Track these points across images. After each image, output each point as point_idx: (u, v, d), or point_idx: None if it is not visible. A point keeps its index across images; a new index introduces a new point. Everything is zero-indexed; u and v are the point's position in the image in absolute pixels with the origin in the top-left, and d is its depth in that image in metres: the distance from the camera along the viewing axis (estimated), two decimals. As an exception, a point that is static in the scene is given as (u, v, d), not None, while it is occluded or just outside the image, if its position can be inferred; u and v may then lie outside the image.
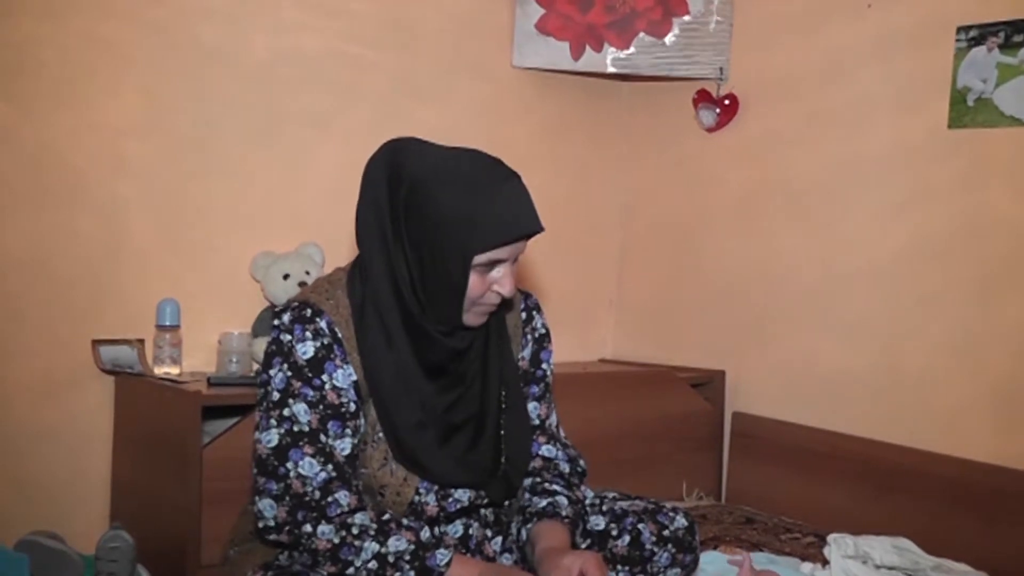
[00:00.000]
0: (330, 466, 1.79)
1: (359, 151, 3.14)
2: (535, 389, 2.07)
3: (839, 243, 3.10)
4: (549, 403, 2.10)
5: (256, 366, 2.85)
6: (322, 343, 1.83)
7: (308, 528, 1.76)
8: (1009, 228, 2.70)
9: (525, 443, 1.99)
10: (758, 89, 3.33)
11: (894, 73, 2.95)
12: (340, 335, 1.85)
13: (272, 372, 1.83)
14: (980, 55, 2.75)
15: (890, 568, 2.46)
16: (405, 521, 1.82)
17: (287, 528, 1.77)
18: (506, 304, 1.93)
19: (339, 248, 2.99)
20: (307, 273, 2.90)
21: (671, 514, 2.10)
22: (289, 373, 1.82)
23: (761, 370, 3.32)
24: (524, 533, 1.93)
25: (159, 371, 2.76)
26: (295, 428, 1.80)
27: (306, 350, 1.83)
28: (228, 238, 2.97)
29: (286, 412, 1.81)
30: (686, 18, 3.38)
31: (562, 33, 3.39)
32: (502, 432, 1.96)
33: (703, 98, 3.42)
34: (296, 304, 1.87)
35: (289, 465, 1.78)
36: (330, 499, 1.77)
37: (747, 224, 3.36)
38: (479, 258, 1.79)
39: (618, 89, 3.67)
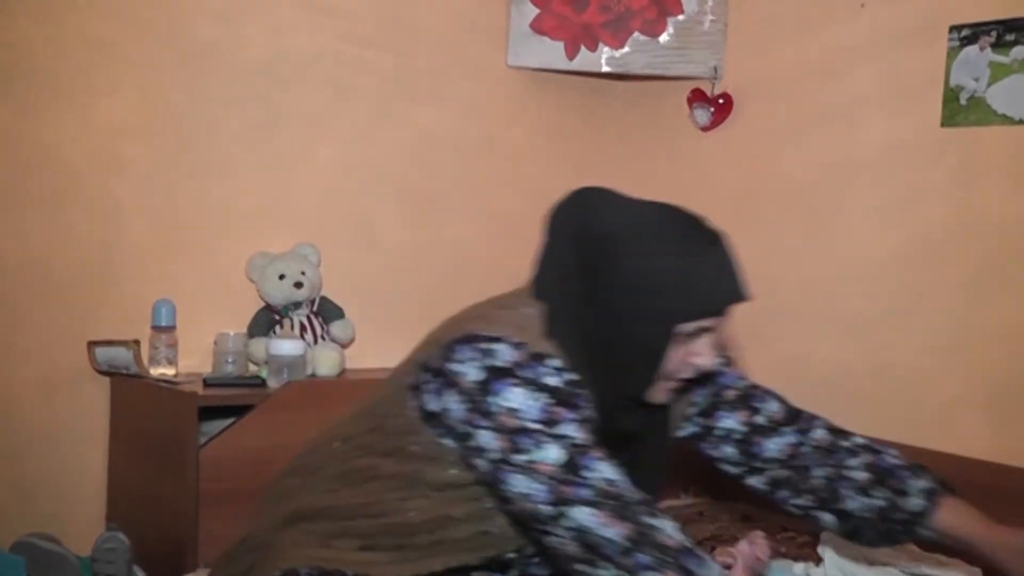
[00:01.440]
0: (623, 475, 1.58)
1: (355, 151, 3.18)
2: (733, 411, 1.97)
3: (834, 241, 3.11)
4: (750, 405, 1.99)
5: (252, 367, 2.86)
6: (566, 379, 1.62)
7: (648, 520, 1.53)
8: (1001, 225, 2.71)
9: None
10: (752, 88, 3.34)
11: (887, 72, 2.96)
12: (578, 381, 1.65)
13: (510, 395, 1.57)
14: (973, 54, 2.76)
15: (884, 565, 2.45)
16: None
17: (633, 544, 1.50)
18: (700, 381, 1.80)
19: (334, 248, 3.03)
20: (303, 273, 2.91)
21: None
22: (548, 397, 1.58)
23: (756, 367, 3.29)
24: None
25: (155, 372, 2.76)
26: (575, 443, 1.56)
27: (551, 380, 1.61)
28: (224, 238, 2.98)
29: (557, 434, 1.56)
30: (680, 17, 3.39)
31: (557, 33, 3.40)
32: None
33: (697, 97, 3.42)
34: (514, 345, 1.63)
35: (587, 473, 1.54)
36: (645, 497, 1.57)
37: (742, 222, 3.34)
38: (684, 327, 1.64)
39: (613, 88, 3.67)
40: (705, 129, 3.44)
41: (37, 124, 2.72)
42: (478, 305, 1.77)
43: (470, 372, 1.59)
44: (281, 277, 2.90)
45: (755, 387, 2.01)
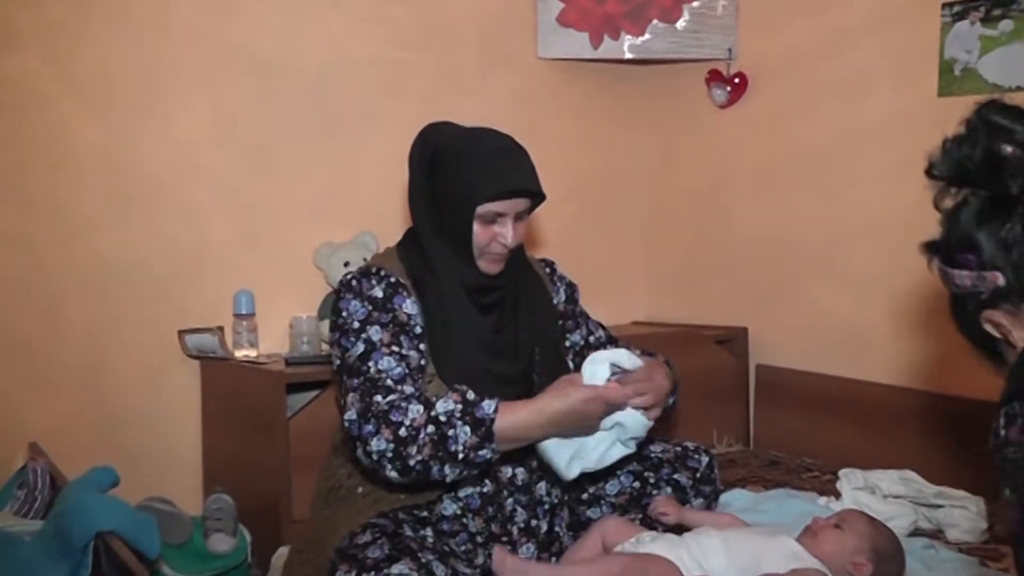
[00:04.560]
0: (404, 364, 2.07)
1: (407, 146, 3.42)
2: (581, 326, 2.46)
3: (845, 205, 3.34)
4: (587, 326, 2.47)
5: (325, 347, 3.14)
6: (388, 283, 2.16)
7: (379, 397, 2.01)
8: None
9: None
10: (765, 67, 3.57)
11: (888, 48, 3.18)
12: (402, 282, 2.19)
13: (350, 307, 2.13)
14: (964, 28, 2.97)
15: (896, 497, 2.69)
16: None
17: (360, 416, 2.00)
18: (517, 259, 2.28)
19: (391, 235, 3.19)
20: (364, 260, 3.15)
21: (696, 456, 2.42)
22: (369, 306, 2.13)
23: (780, 325, 3.56)
24: None
25: (239, 354, 3.05)
26: (373, 339, 2.09)
27: (375, 292, 2.15)
28: (294, 231, 3.24)
29: (365, 335, 2.10)
30: (695, 4, 3.63)
31: (581, 24, 3.65)
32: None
33: (714, 77, 3.67)
34: (359, 268, 2.23)
35: (370, 364, 2.06)
36: (402, 387, 2.03)
37: (761, 191, 3.61)
38: (480, 209, 2.11)
39: (636, 73, 3.90)
40: (723, 107, 3.69)
41: (128, 142, 3.01)
42: None
43: (336, 306, 2.18)
44: (346, 264, 3.17)
45: (587, 315, 2.52)
